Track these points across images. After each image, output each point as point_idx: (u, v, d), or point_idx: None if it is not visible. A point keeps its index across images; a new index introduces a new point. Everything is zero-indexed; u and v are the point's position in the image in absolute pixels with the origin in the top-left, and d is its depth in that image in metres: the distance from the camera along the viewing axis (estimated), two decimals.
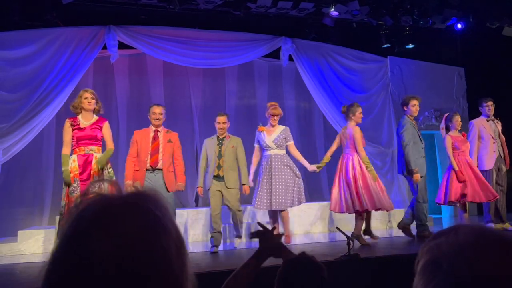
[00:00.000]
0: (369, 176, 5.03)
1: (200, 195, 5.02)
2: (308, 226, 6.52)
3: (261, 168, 5.21)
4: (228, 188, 5.06)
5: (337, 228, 4.52)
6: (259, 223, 1.79)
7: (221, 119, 5.22)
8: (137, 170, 4.70)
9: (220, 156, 5.14)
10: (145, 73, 7.02)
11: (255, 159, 5.39)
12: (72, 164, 4.36)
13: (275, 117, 5.30)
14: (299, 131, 7.93)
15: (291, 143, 5.36)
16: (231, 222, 5.22)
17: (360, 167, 5.08)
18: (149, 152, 4.70)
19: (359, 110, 5.25)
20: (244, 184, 5.12)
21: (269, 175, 5.11)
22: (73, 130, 4.44)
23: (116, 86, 6.86)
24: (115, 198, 0.66)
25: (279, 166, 5.13)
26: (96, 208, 0.64)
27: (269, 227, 1.74)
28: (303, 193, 5.20)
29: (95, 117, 4.55)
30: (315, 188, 7.78)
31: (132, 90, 7.00)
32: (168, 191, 4.72)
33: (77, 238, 0.61)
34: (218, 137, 5.21)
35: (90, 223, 0.62)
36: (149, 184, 4.61)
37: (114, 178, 4.46)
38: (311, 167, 5.21)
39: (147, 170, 4.69)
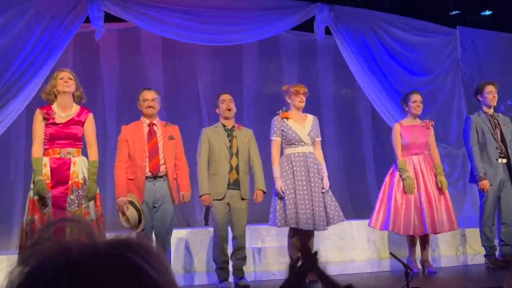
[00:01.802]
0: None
1: (207, 204, 4.89)
2: (351, 250, 6.45)
3: (288, 171, 4.99)
4: (242, 199, 4.96)
5: (390, 253, 4.45)
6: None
7: (228, 96, 5.06)
8: (132, 179, 4.65)
9: (233, 153, 4.97)
10: (139, 53, 6.98)
11: (278, 157, 5.09)
12: (42, 169, 4.32)
13: (303, 97, 5.15)
14: (339, 126, 7.87)
15: (319, 140, 5.26)
16: (232, 260, 5.02)
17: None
18: (147, 155, 4.69)
19: (412, 98, 5.47)
20: (259, 190, 4.99)
21: (307, 181, 4.91)
22: (46, 125, 4.38)
23: (102, 69, 6.80)
24: (85, 249, 0.60)
25: (316, 170, 5.01)
26: (57, 264, 0.58)
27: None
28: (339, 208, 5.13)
29: (75, 107, 4.51)
30: (360, 202, 7.69)
31: (123, 74, 6.91)
32: (174, 204, 4.78)
33: None
34: (224, 126, 5.06)
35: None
36: (150, 196, 4.63)
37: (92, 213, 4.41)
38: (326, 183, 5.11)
39: (147, 178, 4.67)
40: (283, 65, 7.50)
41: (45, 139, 4.34)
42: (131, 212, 4.47)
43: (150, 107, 4.75)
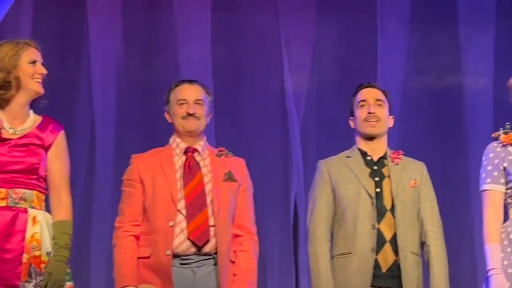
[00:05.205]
0: None
1: None
2: None
3: None
4: None
5: None
6: None
7: (373, 92, 4.01)
8: (147, 257, 3.71)
9: (382, 209, 3.86)
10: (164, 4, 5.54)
11: (496, 219, 3.85)
12: None
13: None
14: None
15: None
16: None
17: None
18: (180, 206, 3.75)
19: None
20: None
21: None
22: None
23: (90, 36, 5.35)
24: None
25: None
26: None
27: None
28: None
29: (33, 117, 3.57)
30: None
31: (131, 46, 5.46)
32: None
33: None
34: (364, 154, 3.98)
35: None
36: None
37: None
38: None
39: (177, 256, 3.71)
40: (461, 32, 5.72)
41: None
42: None
43: (190, 116, 3.76)
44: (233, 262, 3.72)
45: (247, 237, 3.75)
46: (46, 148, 3.47)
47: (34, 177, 3.43)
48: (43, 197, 3.46)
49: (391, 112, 4.07)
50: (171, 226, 3.62)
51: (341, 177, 3.84)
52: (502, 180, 3.72)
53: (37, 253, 3.31)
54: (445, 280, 3.81)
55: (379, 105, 3.87)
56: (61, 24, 5.47)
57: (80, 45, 5.40)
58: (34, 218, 3.36)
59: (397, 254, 3.73)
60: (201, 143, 3.80)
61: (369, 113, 3.83)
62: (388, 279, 3.72)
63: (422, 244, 3.85)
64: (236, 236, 3.73)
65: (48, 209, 3.51)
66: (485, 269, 3.71)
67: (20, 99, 3.45)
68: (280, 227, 5.25)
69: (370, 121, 3.85)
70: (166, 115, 3.89)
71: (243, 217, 3.81)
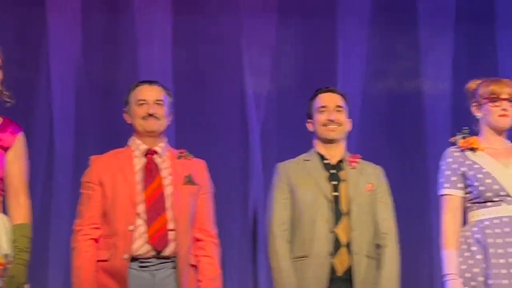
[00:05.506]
0: None
1: None
2: None
3: (476, 256, 3.72)
4: None
5: None
6: None
7: (333, 97, 3.97)
8: (106, 261, 3.64)
9: (339, 212, 3.82)
10: (123, 6, 5.44)
11: (454, 229, 3.79)
12: None
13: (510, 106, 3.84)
14: None
15: None
16: None
17: None
18: (140, 210, 3.67)
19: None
20: None
21: None
22: None
23: (49, 37, 5.26)
24: None
25: None
26: None
27: None
28: None
29: None
30: None
31: (91, 48, 5.37)
32: None
33: None
34: (322, 157, 3.91)
35: None
36: None
37: None
38: None
39: (136, 260, 3.63)
40: (421, 37, 5.75)
41: None
42: None
43: (150, 116, 3.64)
44: (193, 265, 3.70)
45: (209, 241, 3.73)
46: (5, 150, 3.45)
47: None
48: (1, 199, 3.43)
49: (349, 115, 4.05)
50: (130, 230, 3.58)
51: (299, 180, 3.86)
52: (461, 185, 3.72)
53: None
54: (392, 281, 3.83)
55: (339, 111, 3.89)
56: (19, 24, 5.37)
57: (39, 46, 5.31)
58: None
59: None
60: (162, 144, 3.77)
61: (330, 120, 3.86)
62: (343, 283, 3.72)
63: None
64: (197, 240, 3.70)
65: (4, 211, 3.45)
66: (442, 273, 3.72)
67: None
68: (239, 230, 5.28)
69: (330, 126, 3.87)
70: (125, 115, 3.85)
71: (203, 220, 3.76)
